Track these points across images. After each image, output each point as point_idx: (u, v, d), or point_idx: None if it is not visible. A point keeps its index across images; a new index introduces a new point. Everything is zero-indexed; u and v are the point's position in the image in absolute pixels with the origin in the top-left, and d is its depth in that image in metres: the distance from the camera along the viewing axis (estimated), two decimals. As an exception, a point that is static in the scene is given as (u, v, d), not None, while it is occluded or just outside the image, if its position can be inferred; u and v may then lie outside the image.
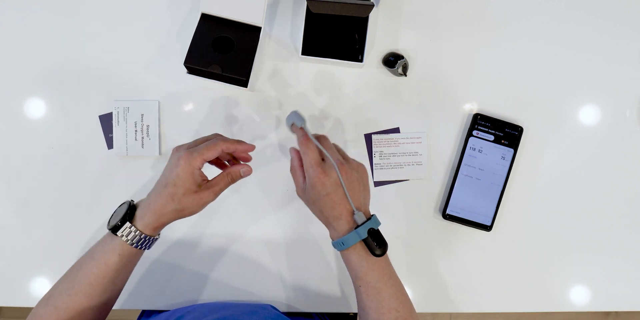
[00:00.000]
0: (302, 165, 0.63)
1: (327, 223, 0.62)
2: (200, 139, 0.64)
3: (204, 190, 0.60)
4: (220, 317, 0.62)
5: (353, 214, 0.60)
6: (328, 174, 0.60)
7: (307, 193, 0.62)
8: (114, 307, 0.65)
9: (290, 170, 0.65)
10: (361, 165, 0.64)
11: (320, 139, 0.64)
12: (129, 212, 0.60)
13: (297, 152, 0.64)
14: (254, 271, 0.78)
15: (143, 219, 0.60)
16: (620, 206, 0.80)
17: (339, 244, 0.60)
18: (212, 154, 0.60)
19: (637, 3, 0.80)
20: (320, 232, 0.78)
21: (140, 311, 0.85)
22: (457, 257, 0.79)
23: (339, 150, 0.65)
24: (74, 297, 0.59)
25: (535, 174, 0.79)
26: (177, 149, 0.62)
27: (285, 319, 0.65)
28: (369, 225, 0.59)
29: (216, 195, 0.62)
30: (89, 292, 0.60)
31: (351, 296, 0.78)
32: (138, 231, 0.59)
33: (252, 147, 0.64)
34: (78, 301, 0.59)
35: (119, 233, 0.59)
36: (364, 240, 0.59)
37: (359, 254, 0.60)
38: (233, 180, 0.63)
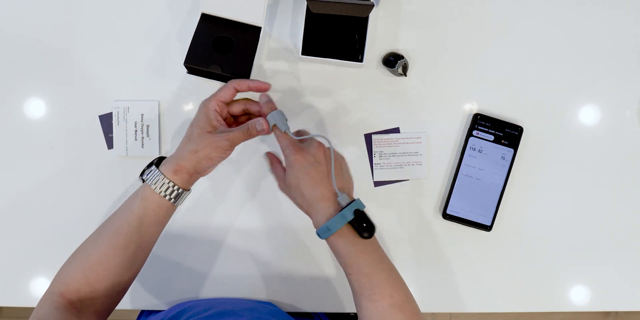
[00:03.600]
0: (279, 161, 0.66)
1: (309, 207, 0.60)
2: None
3: (219, 133, 0.62)
4: (220, 310, 0.62)
5: (337, 196, 0.59)
6: (306, 150, 0.60)
7: (287, 178, 0.61)
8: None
9: (270, 168, 0.67)
10: (342, 156, 0.64)
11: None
12: (157, 161, 0.64)
13: (272, 154, 0.68)
14: (253, 270, 0.78)
15: (165, 164, 0.62)
16: (620, 206, 0.80)
17: (325, 231, 0.58)
18: (226, 93, 0.64)
19: (637, 3, 0.80)
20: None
21: (140, 311, 0.85)
22: (457, 257, 0.79)
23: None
24: (98, 248, 0.60)
25: (535, 174, 0.79)
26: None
27: (285, 315, 0.64)
28: (354, 206, 0.58)
29: (230, 142, 0.62)
30: (113, 241, 0.60)
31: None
32: (161, 175, 0.61)
33: (266, 85, 0.65)
34: (103, 253, 0.60)
35: (144, 177, 0.62)
36: (351, 223, 0.57)
37: (346, 239, 0.58)
38: (249, 133, 0.63)
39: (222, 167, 0.70)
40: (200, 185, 0.77)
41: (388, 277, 0.59)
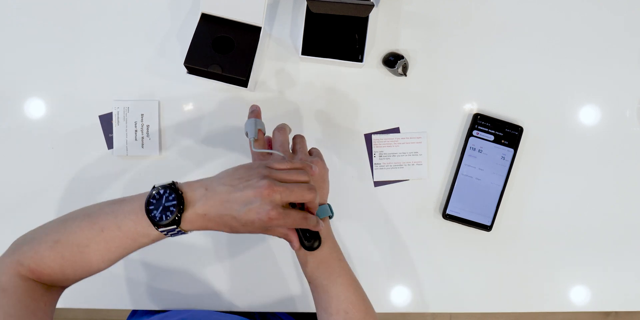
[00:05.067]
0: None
1: None
2: (289, 172, 0.57)
3: (267, 231, 0.57)
4: None
5: None
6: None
7: None
8: (104, 307, 0.63)
9: None
10: (314, 162, 0.62)
11: (275, 131, 0.65)
12: (179, 215, 0.54)
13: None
14: (248, 271, 0.78)
15: (193, 224, 0.54)
16: (620, 206, 0.80)
17: None
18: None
19: (637, 3, 0.80)
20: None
21: (131, 311, 0.84)
22: (457, 257, 0.79)
23: (295, 145, 0.65)
24: (85, 255, 0.55)
25: (535, 174, 0.79)
26: (266, 176, 0.54)
27: None
28: None
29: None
30: (104, 256, 0.56)
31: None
32: (180, 231, 0.55)
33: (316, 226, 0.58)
34: (88, 259, 0.56)
35: (160, 229, 0.54)
36: (296, 231, 0.58)
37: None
38: (287, 238, 0.59)
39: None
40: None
41: (345, 292, 0.59)
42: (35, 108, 0.78)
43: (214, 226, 0.55)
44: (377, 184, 0.79)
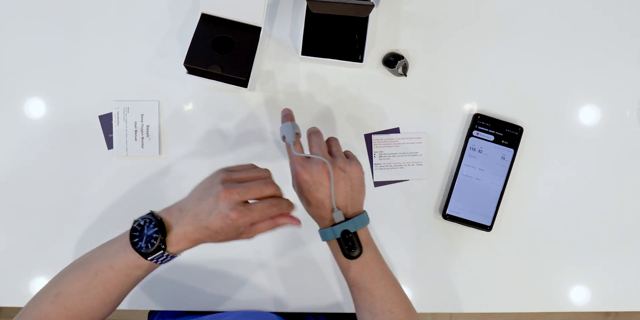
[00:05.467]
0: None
1: (313, 217, 0.63)
2: (248, 170, 0.59)
3: (244, 233, 0.58)
4: None
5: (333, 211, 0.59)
6: (309, 169, 0.59)
7: (294, 187, 0.62)
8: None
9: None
10: (352, 164, 0.62)
11: (311, 135, 0.63)
12: (163, 240, 0.56)
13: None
14: (252, 272, 0.78)
15: (178, 245, 0.56)
16: (620, 206, 0.80)
17: (319, 234, 0.61)
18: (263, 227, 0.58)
19: (637, 3, 0.80)
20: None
21: (149, 312, 0.85)
22: (457, 258, 0.79)
23: (331, 148, 0.64)
24: (86, 301, 0.57)
25: (535, 174, 0.79)
26: (223, 180, 0.56)
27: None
28: (344, 226, 0.59)
29: (255, 236, 0.59)
30: (104, 299, 0.58)
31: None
32: (170, 256, 0.57)
33: (296, 221, 0.60)
34: (90, 305, 0.58)
35: (149, 258, 0.56)
36: (338, 240, 0.59)
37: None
38: (276, 226, 0.60)
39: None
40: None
41: (389, 293, 0.61)
42: (35, 108, 0.78)
43: (196, 242, 0.57)
44: (377, 184, 0.79)
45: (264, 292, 0.78)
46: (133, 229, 0.57)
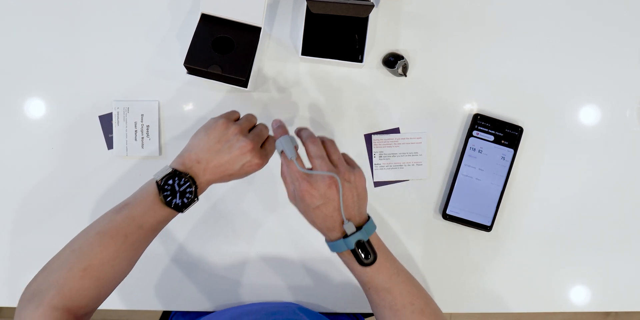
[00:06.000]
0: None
1: (320, 231, 0.61)
2: (247, 118, 0.67)
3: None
4: None
5: (343, 223, 0.59)
6: (315, 187, 0.57)
7: (298, 204, 0.60)
8: (128, 308, 0.68)
9: (281, 175, 0.62)
10: (356, 173, 0.60)
11: (309, 143, 0.60)
12: (196, 190, 0.61)
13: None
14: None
15: (201, 191, 0.62)
16: (620, 206, 0.80)
17: (330, 246, 0.60)
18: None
19: (637, 3, 0.80)
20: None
21: (162, 312, 0.85)
22: (457, 258, 0.79)
23: (330, 155, 0.61)
24: (117, 266, 0.59)
25: (535, 174, 0.79)
26: (240, 132, 0.63)
27: (311, 311, 0.64)
28: (357, 237, 0.58)
29: (264, 160, 0.65)
30: (132, 258, 0.61)
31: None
32: (197, 200, 0.62)
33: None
34: (120, 269, 0.60)
35: (185, 210, 0.61)
36: (352, 251, 0.58)
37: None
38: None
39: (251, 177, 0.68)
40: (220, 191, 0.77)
41: (407, 287, 0.61)
42: (35, 108, 0.78)
43: (216, 181, 0.63)
44: (377, 184, 0.79)
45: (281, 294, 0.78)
46: (163, 190, 0.60)
